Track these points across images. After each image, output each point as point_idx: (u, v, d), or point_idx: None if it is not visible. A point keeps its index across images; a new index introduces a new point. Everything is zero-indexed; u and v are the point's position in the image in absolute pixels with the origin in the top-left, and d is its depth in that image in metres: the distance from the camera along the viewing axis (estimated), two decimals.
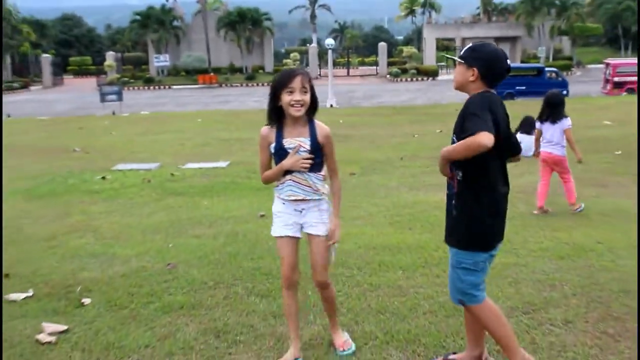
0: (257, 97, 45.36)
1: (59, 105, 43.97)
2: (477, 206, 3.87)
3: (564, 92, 37.71)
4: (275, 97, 4.28)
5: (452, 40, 73.07)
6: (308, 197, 4.46)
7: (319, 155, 4.41)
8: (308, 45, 75.75)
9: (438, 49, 71.70)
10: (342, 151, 16.09)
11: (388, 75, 63.63)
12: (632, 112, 24.21)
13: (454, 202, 3.94)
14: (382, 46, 68.84)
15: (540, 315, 5.27)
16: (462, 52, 4.01)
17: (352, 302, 5.68)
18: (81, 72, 77.89)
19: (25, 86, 64.13)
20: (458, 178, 3.89)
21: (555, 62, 61.49)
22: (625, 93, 38.80)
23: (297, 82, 4.22)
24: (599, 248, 7.12)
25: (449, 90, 42.65)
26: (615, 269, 6.38)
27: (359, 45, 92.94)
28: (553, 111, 9.17)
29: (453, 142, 3.88)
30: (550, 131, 9.18)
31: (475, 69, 3.88)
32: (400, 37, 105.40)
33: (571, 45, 70.00)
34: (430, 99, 38.79)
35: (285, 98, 4.23)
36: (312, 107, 4.38)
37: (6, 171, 13.15)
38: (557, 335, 4.91)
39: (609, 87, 40.51)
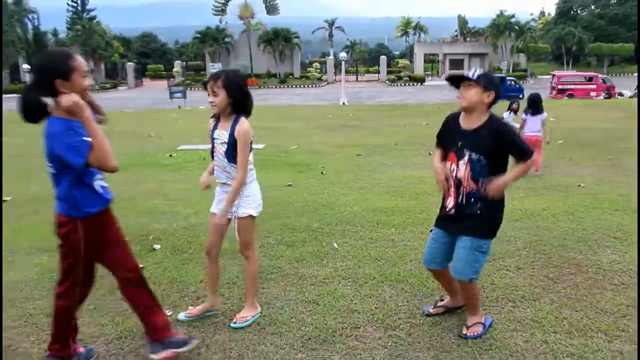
0: (288, 96, 45.16)
1: (139, 102, 44.02)
2: (497, 205, 3.67)
3: (520, 96, 37.25)
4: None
5: (436, 55, 72.30)
6: (229, 182, 3.88)
7: (234, 148, 3.78)
8: (326, 57, 75.17)
9: (426, 61, 71.06)
10: (352, 137, 16.09)
11: (387, 81, 63.03)
12: (571, 111, 23.95)
13: (479, 204, 3.62)
14: (383, 59, 68.24)
15: (498, 263, 5.23)
16: (476, 76, 3.59)
17: (356, 251, 5.67)
18: (156, 76, 77.68)
19: (114, 87, 64.18)
20: (480, 183, 3.60)
21: (514, 73, 60.64)
22: (566, 97, 38.42)
23: (209, 86, 3.74)
24: (544, 213, 7.05)
25: (433, 93, 42.38)
26: (556, 229, 6.32)
27: (365, 58, 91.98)
28: (535, 107, 10.11)
29: (475, 160, 3.57)
30: (532, 121, 10.05)
31: (493, 93, 3.58)
32: (397, 52, 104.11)
33: (526, 60, 68.98)
34: (419, 99, 38.40)
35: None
36: (237, 105, 3.81)
37: None
38: (511, 278, 4.87)
39: (554, 93, 40.13)
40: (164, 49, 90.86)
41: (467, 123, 3.65)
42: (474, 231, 3.66)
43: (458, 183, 3.66)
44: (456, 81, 3.64)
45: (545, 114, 10.20)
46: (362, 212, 7.25)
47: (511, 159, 3.66)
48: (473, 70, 3.63)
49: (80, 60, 3.07)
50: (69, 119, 3.00)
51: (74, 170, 3.05)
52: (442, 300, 4.32)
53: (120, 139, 16.53)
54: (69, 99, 2.94)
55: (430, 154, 11.09)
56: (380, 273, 5.01)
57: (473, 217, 3.65)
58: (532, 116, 10.06)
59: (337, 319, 4.15)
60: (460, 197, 3.66)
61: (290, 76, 66.23)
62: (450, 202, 3.73)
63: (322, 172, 10.45)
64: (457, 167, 3.64)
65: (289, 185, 9.15)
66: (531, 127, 10.07)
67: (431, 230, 3.97)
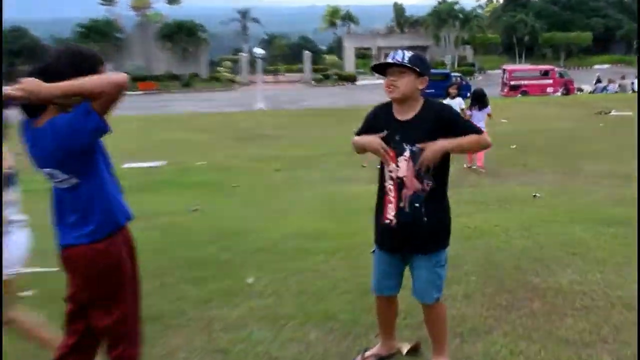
0: (193, 102, 44.80)
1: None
2: (445, 208, 3.74)
3: (467, 94, 38.44)
4: None
5: (368, 49, 73.65)
6: None
7: None
8: (240, 54, 75.17)
9: (357, 57, 72.21)
10: (270, 149, 16.12)
11: (312, 81, 63.64)
12: (525, 111, 24.88)
13: (423, 210, 3.61)
14: (307, 55, 68.80)
15: (443, 291, 5.30)
16: (407, 61, 3.56)
17: (275, 286, 5.62)
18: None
19: None
20: (430, 187, 3.62)
21: (459, 68, 62.54)
22: (519, 95, 39.90)
23: None
24: (495, 230, 7.24)
25: (367, 93, 43.09)
26: (509, 249, 6.49)
27: (286, 54, 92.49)
28: (480, 101, 11.65)
29: (418, 153, 3.57)
30: (478, 116, 11.50)
31: (426, 77, 3.61)
32: (324, 47, 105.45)
33: (473, 53, 71.44)
34: (349, 102, 38.98)
35: None
36: None
37: None
38: (458, 308, 4.95)
39: (506, 89, 41.68)
40: (37, 45, 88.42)
41: (401, 113, 3.66)
42: (428, 247, 3.70)
43: (399, 184, 3.64)
44: (383, 68, 3.64)
45: (489, 108, 11.84)
46: (282, 239, 7.23)
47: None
48: (401, 54, 3.60)
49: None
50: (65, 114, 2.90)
51: (102, 159, 3.01)
52: (366, 350, 4.21)
53: None
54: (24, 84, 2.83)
55: (364, 166, 11.23)
56: (304, 311, 4.98)
57: (420, 229, 3.64)
58: (479, 111, 11.46)
59: None
60: (403, 201, 3.63)
61: (196, 78, 65.78)
62: (391, 211, 3.68)
63: (234, 193, 10.38)
64: (397, 165, 3.63)
65: (195, 209, 9.04)
66: (478, 122, 10.89)
67: (373, 251, 3.93)
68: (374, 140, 3.69)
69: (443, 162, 3.64)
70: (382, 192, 3.75)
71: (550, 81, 41.90)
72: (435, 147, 3.55)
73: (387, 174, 3.70)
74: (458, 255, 6.23)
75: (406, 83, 3.56)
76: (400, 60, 3.56)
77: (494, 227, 7.40)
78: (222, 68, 67.77)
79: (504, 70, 44.06)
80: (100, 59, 3.07)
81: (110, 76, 2.92)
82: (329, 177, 11.52)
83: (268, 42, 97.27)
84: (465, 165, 12.17)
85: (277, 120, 25.32)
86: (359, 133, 3.85)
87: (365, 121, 3.85)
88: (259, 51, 40.81)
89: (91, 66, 2.98)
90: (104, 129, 2.94)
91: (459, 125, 3.64)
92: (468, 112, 11.28)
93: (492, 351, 4.21)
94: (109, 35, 65.48)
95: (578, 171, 11.27)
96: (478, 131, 3.67)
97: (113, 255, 3.10)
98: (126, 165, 13.98)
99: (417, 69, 3.56)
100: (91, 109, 2.87)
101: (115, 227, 3.11)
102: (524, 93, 40.43)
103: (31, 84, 2.84)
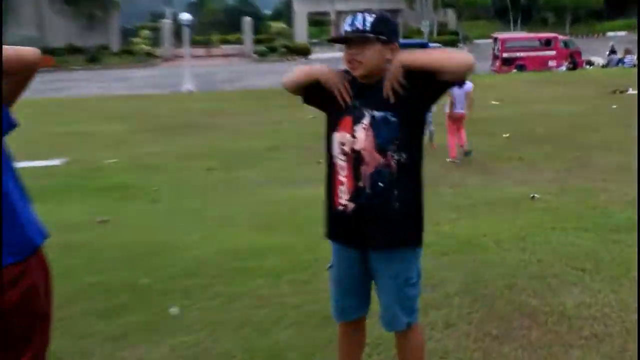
0: (102, 82, 44.36)
1: None
2: (421, 192, 3.71)
3: None
4: None
5: (325, 14, 73.82)
6: None
7: None
8: (160, 21, 74.67)
9: (310, 24, 72.26)
10: (201, 143, 16.05)
11: (254, 55, 63.57)
12: (522, 90, 25.21)
13: (395, 192, 3.55)
14: (247, 21, 68.71)
15: (419, 319, 5.37)
16: (369, 28, 3.53)
17: (208, 317, 5.62)
18: None
19: None
20: (400, 161, 3.54)
21: (440, 37, 63.21)
22: (515, 70, 40.35)
23: None
24: (484, 241, 7.34)
25: None
26: (501, 263, 6.59)
27: (220, 21, 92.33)
28: None
29: (380, 120, 3.52)
30: (458, 94, 12.20)
31: (395, 43, 3.57)
32: (268, 11, 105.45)
33: (457, 18, 72.07)
34: None
35: None
36: None
37: None
38: (438, 340, 5.01)
39: (497, 64, 42.10)
40: None
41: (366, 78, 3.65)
42: (395, 241, 3.63)
43: (355, 160, 3.57)
44: (343, 39, 3.64)
45: (470, 84, 12.55)
46: (217, 257, 7.22)
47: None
48: (361, 19, 3.56)
49: None
50: None
51: (6, 166, 3.00)
52: None
53: None
54: None
55: (320, 162, 11.21)
56: (244, 348, 4.99)
57: (388, 217, 3.58)
58: (459, 89, 12.04)
59: None
60: (362, 180, 3.56)
61: (105, 51, 65.16)
62: (343, 194, 3.63)
63: (154, 199, 10.33)
64: (353, 136, 3.57)
65: (104, 220, 8.97)
66: (460, 102, 12.61)
67: (330, 267, 3.89)
68: (333, 72, 3.69)
69: (414, 127, 3.63)
70: (331, 171, 3.70)
71: (553, 52, 42.49)
72: (394, 61, 3.52)
73: (336, 146, 3.64)
74: (437, 273, 6.32)
75: (371, 56, 3.54)
76: (360, 27, 3.53)
77: (482, 237, 7.50)
78: (138, 39, 67.08)
79: (496, 39, 44.54)
80: None
81: (18, 49, 2.89)
82: (277, 178, 11.53)
83: (197, 6, 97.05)
84: (448, 159, 12.35)
85: (211, 105, 25.22)
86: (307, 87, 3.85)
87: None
88: (185, 17, 40.45)
89: None
90: (11, 124, 2.95)
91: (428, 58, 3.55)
92: (450, 91, 11.48)
93: None
94: None
95: (586, 166, 11.46)
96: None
97: (26, 285, 3.01)
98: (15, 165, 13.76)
99: (383, 37, 3.53)
100: None
101: (30, 248, 3.05)
102: (521, 68, 40.97)
103: None
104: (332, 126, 3.69)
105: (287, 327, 5.34)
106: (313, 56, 60.95)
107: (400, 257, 3.67)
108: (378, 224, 3.59)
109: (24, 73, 2.93)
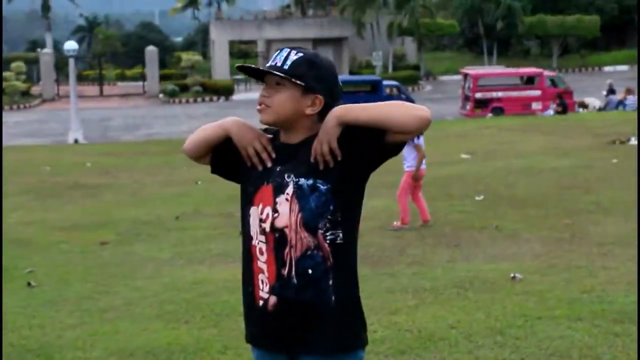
0: None
1: None
2: (357, 285, 3.64)
3: None
4: None
5: (252, 43, 74.39)
6: None
7: None
8: (39, 50, 74.52)
9: (232, 55, 72.60)
10: (91, 208, 15.96)
11: (161, 95, 63.48)
12: (499, 140, 25.59)
13: (329, 281, 3.50)
14: (152, 51, 68.65)
15: None
16: (289, 66, 3.53)
17: None
18: None
19: None
20: (335, 241, 3.52)
21: (396, 72, 63.83)
22: (490, 114, 40.73)
23: None
24: (452, 335, 7.36)
25: (251, 116, 43.36)
26: None
27: (117, 51, 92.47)
28: None
29: (308, 188, 3.49)
30: (407, 150, 12.26)
31: (319, 96, 3.53)
32: (179, 39, 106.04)
33: (417, 49, 72.86)
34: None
35: None
36: None
37: None
38: None
39: (469, 106, 42.40)
40: None
41: (288, 136, 3.66)
42: (336, 344, 3.55)
43: (278, 241, 3.54)
44: (256, 74, 3.69)
45: (421, 138, 12.49)
46: (110, 359, 7.15)
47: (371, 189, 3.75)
48: (285, 54, 3.58)
49: None
50: None
51: None
52: None
53: None
54: None
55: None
56: None
57: (322, 312, 3.53)
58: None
59: None
60: (285, 267, 3.52)
61: None
62: (263, 284, 3.59)
63: (29, 283, 10.20)
64: (275, 210, 3.55)
65: None
66: (406, 161, 12.81)
67: None
68: (248, 126, 3.70)
69: (352, 198, 3.62)
70: (247, 255, 3.65)
71: (538, 92, 43.09)
72: (328, 117, 3.51)
73: (254, 224, 3.62)
74: None
75: (282, 101, 3.54)
76: (279, 64, 3.55)
77: (450, 329, 7.52)
78: (10, 73, 66.68)
79: (466, 75, 44.90)
80: None
81: None
82: (188, 254, 11.47)
83: (87, 31, 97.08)
84: (395, 225, 12.48)
85: (104, 159, 25.19)
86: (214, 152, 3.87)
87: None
88: (71, 46, 40.27)
89: None
90: None
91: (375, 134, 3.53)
92: (417, 141, 12.23)
93: None
94: None
95: (579, 236, 11.58)
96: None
97: None
98: None
99: (300, 82, 3.51)
100: None
101: None
102: (497, 111, 41.42)
103: None
104: (248, 198, 3.66)
105: None
106: (237, 96, 61.19)
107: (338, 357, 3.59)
108: (309, 323, 3.52)
109: None
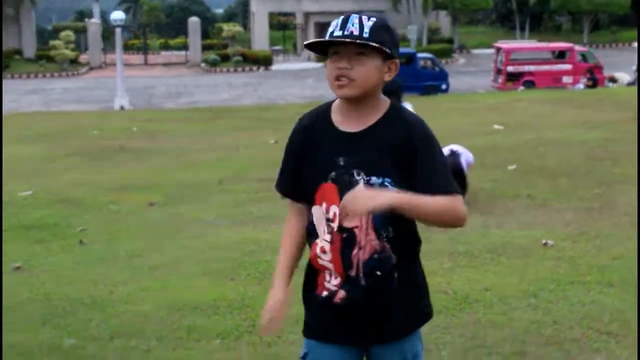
0: (14, 95, 44.00)
1: None
2: (421, 269, 3.53)
3: (443, 86, 39.15)
4: None
5: (290, 16, 74.15)
6: None
7: None
8: (87, 20, 74.68)
9: (272, 27, 72.44)
10: (137, 171, 16.02)
11: (203, 64, 63.54)
12: (530, 113, 25.40)
13: (396, 275, 3.35)
14: (194, 22, 68.67)
15: None
16: (369, 34, 3.22)
17: None
18: None
19: None
20: (399, 238, 3.34)
21: (430, 45, 63.46)
22: (522, 87, 40.50)
23: None
24: (486, 297, 7.39)
25: (290, 85, 43.37)
26: (508, 324, 6.66)
27: (161, 22, 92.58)
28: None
29: (371, 184, 3.26)
30: None
31: (396, 60, 3.34)
32: (220, 11, 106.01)
33: (451, 23, 72.49)
34: (262, 97, 39.29)
35: None
36: None
37: None
38: None
39: (501, 79, 42.20)
40: None
41: (347, 121, 3.40)
42: (403, 328, 3.48)
43: (346, 241, 3.35)
44: (325, 46, 3.36)
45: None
46: (160, 313, 7.24)
47: None
48: (357, 22, 3.26)
49: None
50: None
51: None
52: None
53: None
54: None
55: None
56: None
57: (391, 306, 3.42)
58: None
59: None
60: (353, 269, 3.35)
61: (17, 57, 64.97)
62: (332, 281, 3.41)
63: (81, 241, 10.31)
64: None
65: (16, 267, 8.95)
66: None
67: (305, 355, 3.60)
68: (271, 300, 3.53)
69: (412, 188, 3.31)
70: (311, 253, 3.48)
71: (569, 67, 42.80)
72: (376, 197, 3.19)
73: (319, 224, 3.43)
74: (430, 335, 6.38)
75: (369, 72, 3.28)
76: (356, 33, 3.23)
77: (484, 292, 7.55)
78: (59, 42, 66.91)
79: (499, 49, 44.71)
80: None
81: None
82: (231, 216, 11.53)
83: (132, 2, 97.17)
84: None
85: (149, 125, 25.23)
86: (283, 180, 3.60)
87: (289, 149, 3.56)
88: (117, 16, 40.33)
89: None
90: None
91: (430, 166, 3.32)
92: None
93: None
94: None
95: (609, 206, 11.54)
96: (453, 189, 3.33)
97: None
98: None
99: (385, 48, 3.26)
100: None
101: None
102: (529, 84, 41.16)
103: None
104: (309, 197, 3.44)
105: None
106: (275, 67, 61.08)
107: (410, 340, 3.52)
108: (378, 316, 3.41)
109: None
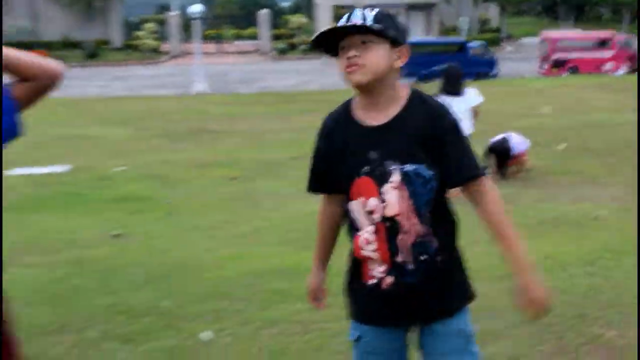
0: (102, 81, 44.60)
1: None
2: (459, 247, 3.36)
3: (493, 71, 38.87)
4: None
5: (351, 8, 73.72)
6: None
7: None
8: (167, 13, 75.16)
9: (335, 18, 72.44)
10: (217, 150, 16.13)
11: (272, 52, 63.81)
12: (576, 97, 25.15)
13: (439, 258, 3.22)
14: (264, 14, 69.03)
15: (480, 350, 5.38)
16: (373, 22, 3.07)
17: (242, 344, 5.68)
18: None
19: None
20: (439, 220, 3.22)
21: (481, 35, 63.01)
22: (567, 73, 40.10)
23: None
24: (547, 264, 7.33)
25: None
26: (569, 290, 6.60)
27: (234, 14, 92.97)
28: (454, 84, 11.13)
29: (414, 174, 3.11)
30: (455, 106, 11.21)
31: (406, 47, 3.17)
32: (287, 4, 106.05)
33: (499, 14, 71.96)
34: (326, 82, 39.17)
35: None
36: None
37: None
38: None
39: (546, 66, 41.77)
40: None
41: (370, 114, 3.24)
42: (455, 305, 3.34)
43: (390, 229, 3.20)
44: (335, 38, 3.18)
45: (474, 96, 11.28)
46: (246, 278, 7.30)
47: None
48: (360, 14, 3.14)
49: None
50: None
51: None
52: None
53: None
54: None
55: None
56: None
57: (436, 287, 3.26)
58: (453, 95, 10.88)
59: None
60: (400, 254, 3.20)
61: (106, 46, 65.60)
62: (378, 269, 3.25)
63: (170, 212, 10.41)
64: (382, 200, 3.18)
65: (116, 235, 9.07)
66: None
67: (358, 338, 3.46)
68: (315, 275, 3.68)
69: (443, 185, 3.24)
70: (356, 247, 3.30)
71: (610, 53, 42.33)
72: (541, 292, 3.34)
73: (359, 218, 3.26)
74: (497, 300, 6.33)
75: (378, 57, 3.10)
76: (360, 23, 3.09)
77: (545, 259, 7.49)
78: (143, 32, 67.47)
79: (545, 39, 44.33)
80: None
81: (45, 60, 3.04)
82: (304, 191, 11.57)
83: None
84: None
85: (225, 108, 25.35)
86: (315, 182, 3.50)
87: (317, 153, 3.43)
88: (196, 9, 40.65)
89: None
90: (16, 133, 3.00)
91: (459, 153, 3.19)
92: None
93: None
94: None
95: None
96: (478, 172, 3.25)
97: None
98: (16, 172, 13.86)
99: (391, 34, 3.11)
100: (11, 99, 2.93)
101: None
102: (573, 70, 40.78)
103: None
104: (345, 194, 3.29)
105: (331, 356, 5.37)
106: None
107: (457, 320, 3.35)
108: (423, 298, 3.26)
109: (48, 82, 3.09)
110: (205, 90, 35.47)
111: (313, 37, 3.15)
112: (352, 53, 3.07)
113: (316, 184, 3.43)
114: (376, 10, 3.12)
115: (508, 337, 5.61)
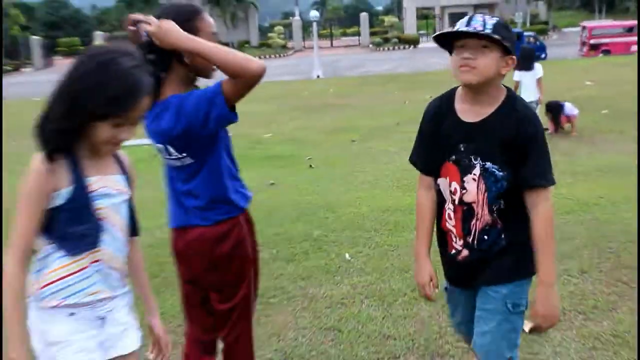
0: None
1: (51, 87, 43.57)
2: (527, 228, 2.86)
3: (542, 55, 37.86)
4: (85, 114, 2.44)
5: (431, 9, 72.84)
6: (116, 292, 2.61)
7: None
8: (291, 18, 75.30)
9: (418, 17, 71.62)
10: (339, 119, 16.22)
11: (370, 45, 63.42)
12: (611, 73, 24.33)
13: (503, 238, 2.92)
14: (364, 16, 68.64)
15: (557, 267, 5.37)
16: (492, 30, 2.74)
17: (376, 263, 5.79)
18: (71, 53, 76.84)
19: (16, 69, 63.31)
20: (506, 209, 2.90)
21: (532, 26, 61.52)
22: (601, 55, 39.14)
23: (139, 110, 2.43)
24: (601, 202, 7.26)
25: (431, 57, 42.64)
26: (620, 221, 6.51)
27: (341, 17, 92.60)
28: (528, 62, 11.59)
29: (491, 173, 2.84)
30: (527, 81, 11.48)
31: (513, 56, 2.82)
32: (380, 7, 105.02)
33: (547, 9, 70.07)
34: (413, 67, 38.70)
35: (107, 131, 2.41)
36: None
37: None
38: (576, 284, 5.03)
39: (585, 49, 40.84)
40: (78, 17, 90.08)
41: (468, 110, 2.93)
42: (511, 273, 2.98)
43: (466, 213, 2.98)
44: (452, 40, 2.87)
45: (539, 70, 11.56)
46: (372, 213, 7.40)
47: None
48: (481, 20, 2.78)
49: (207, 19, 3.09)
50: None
51: (222, 141, 3.07)
52: None
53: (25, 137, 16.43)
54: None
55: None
56: (411, 288, 5.10)
57: (502, 254, 2.96)
58: (527, 70, 11.39)
59: (369, 348, 4.27)
60: (471, 237, 2.97)
61: (247, 45, 66.25)
62: (458, 242, 3.01)
63: (310, 166, 10.58)
64: (462, 187, 2.95)
65: (272, 184, 9.27)
66: (527, 90, 11.24)
67: (446, 288, 3.27)
68: (423, 269, 3.11)
69: (517, 188, 2.89)
70: (440, 212, 3.06)
71: (636, 38, 40.87)
72: (555, 307, 2.90)
73: (444, 193, 3.02)
74: (564, 228, 6.30)
75: (490, 63, 2.77)
76: (480, 29, 2.75)
77: (599, 198, 7.41)
78: (273, 34, 67.97)
79: (584, 27, 43.14)
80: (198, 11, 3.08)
81: (250, 58, 2.84)
82: (408, 148, 11.46)
83: (321, 5, 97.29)
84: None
85: (339, 88, 25.36)
86: (415, 154, 3.20)
87: (423, 124, 3.12)
88: (313, 14, 40.84)
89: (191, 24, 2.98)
90: (230, 119, 2.92)
91: (536, 160, 2.84)
92: (516, 77, 11.32)
93: (620, 330, 4.28)
94: (152, 2, 66.37)
95: None
96: (546, 182, 2.85)
97: (236, 238, 3.11)
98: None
99: (506, 44, 2.76)
100: (220, 92, 2.83)
101: (235, 209, 3.15)
102: (606, 52, 39.60)
103: (167, 24, 2.83)
104: (436, 169, 3.03)
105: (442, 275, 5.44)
106: (421, 45, 60.30)
107: (510, 288, 2.97)
108: (488, 266, 2.97)
109: (252, 79, 2.84)
110: (322, 75, 35.51)
111: (435, 35, 2.83)
112: (467, 54, 2.77)
113: (416, 157, 3.16)
114: (495, 19, 2.78)
115: (577, 257, 5.58)
